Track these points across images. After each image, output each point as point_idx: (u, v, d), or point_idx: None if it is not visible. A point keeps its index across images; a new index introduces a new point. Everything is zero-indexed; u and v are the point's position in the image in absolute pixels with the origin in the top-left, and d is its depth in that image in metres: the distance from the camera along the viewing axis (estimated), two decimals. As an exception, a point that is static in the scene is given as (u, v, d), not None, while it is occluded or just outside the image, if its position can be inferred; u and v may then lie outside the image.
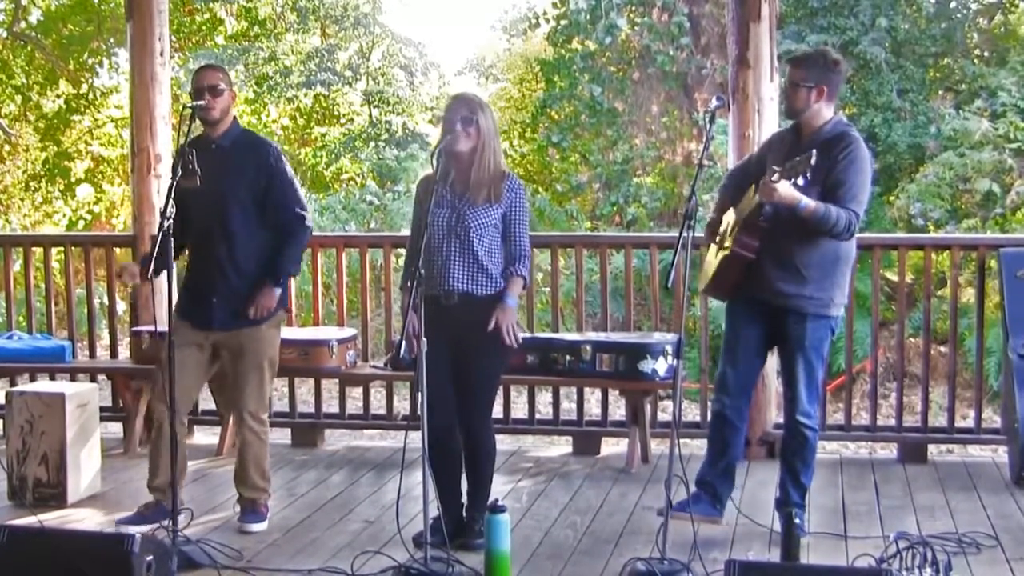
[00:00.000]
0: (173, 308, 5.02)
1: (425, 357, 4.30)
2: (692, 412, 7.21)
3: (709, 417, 5.15)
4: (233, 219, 4.88)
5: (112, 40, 16.56)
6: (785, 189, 4.43)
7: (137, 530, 4.23)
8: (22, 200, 16.83)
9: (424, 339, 4.31)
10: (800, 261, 4.66)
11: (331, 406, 7.06)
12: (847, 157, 4.56)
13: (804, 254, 4.66)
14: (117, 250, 7.32)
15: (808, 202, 4.48)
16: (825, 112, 4.73)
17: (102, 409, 5.95)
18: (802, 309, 4.70)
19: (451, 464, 4.78)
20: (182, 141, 4.66)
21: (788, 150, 4.71)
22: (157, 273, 4.61)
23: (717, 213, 5.03)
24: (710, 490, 4.91)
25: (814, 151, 4.39)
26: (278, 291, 4.94)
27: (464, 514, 4.82)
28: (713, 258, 5.00)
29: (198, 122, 4.84)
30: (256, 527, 5.01)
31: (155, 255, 4.56)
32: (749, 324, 4.88)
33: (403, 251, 6.79)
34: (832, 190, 4.56)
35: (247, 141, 5.03)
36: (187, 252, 4.89)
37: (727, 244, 4.83)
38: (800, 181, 4.40)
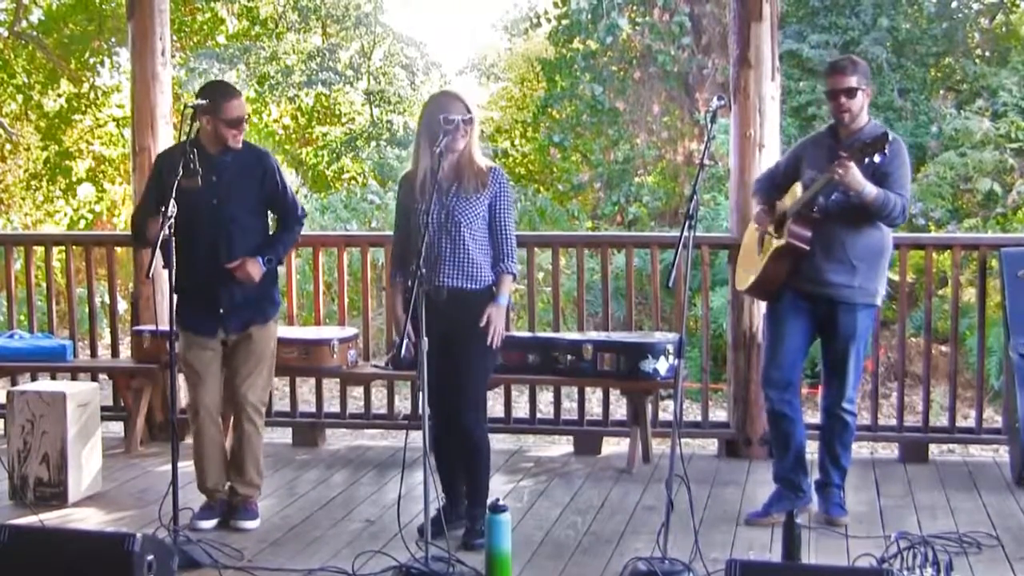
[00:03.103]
0: (173, 317, 4.96)
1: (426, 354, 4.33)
2: (693, 412, 7.20)
3: (766, 417, 5.32)
4: (241, 232, 4.92)
5: (113, 39, 16.56)
6: (856, 172, 4.63)
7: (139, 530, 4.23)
8: (23, 199, 16.84)
9: (425, 338, 4.32)
10: (851, 252, 4.87)
11: (332, 405, 7.06)
12: (891, 151, 4.71)
13: (855, 245, 4.87)
14: (118, 249, 7.33)
15: (871, 187, 4.69)
16: (865, 114, 4.96)
17: (103, 408, 5.95)
18: (852, 299, 4.91)
19: (453, 458, 4.85)
20: (179, 141, 4.66)
21: (828, 152, 4.89)
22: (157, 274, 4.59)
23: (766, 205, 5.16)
24: (788, 484, 5.09)
25: (887, 131, 4.61)
26: (262, 265, 4.92)
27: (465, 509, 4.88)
28: (755, 255, 5.06)
29: (195, 125, 4.81)
30: (251, 524, 5.02)
31: (155, 255, 4.54)
32: (794, 318, 5.03)
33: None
34: (880, 181, 4.76)
35: (248, 153, 5.03)
36: (184, 262, 4.70)
37: (778, 236, 4.93)
38: (877, 158, 4.58)
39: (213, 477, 5.09)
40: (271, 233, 5.09)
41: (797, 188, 4.94)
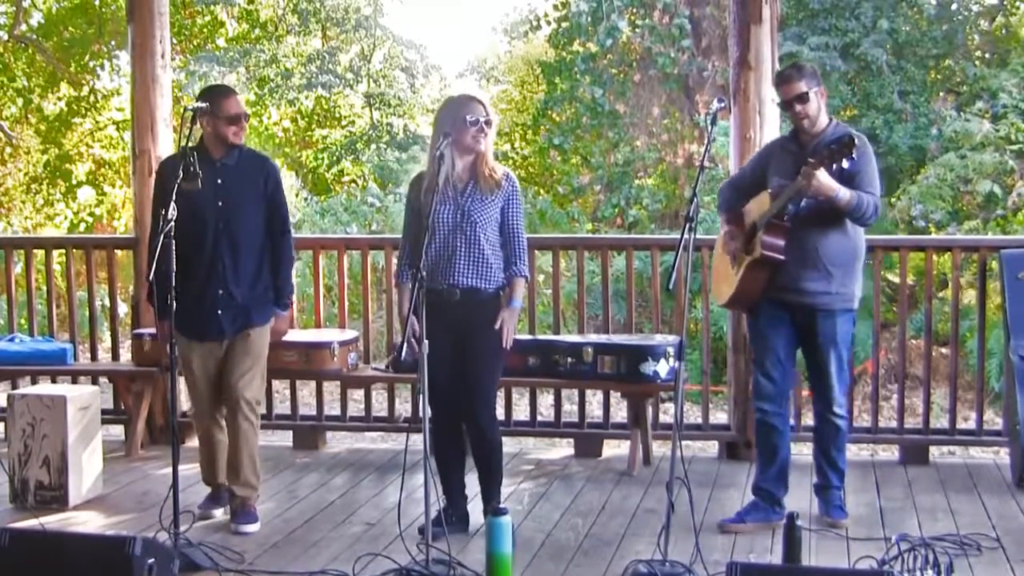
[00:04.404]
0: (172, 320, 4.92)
1: (427, 356, 4.33)
2: (694, 414, 7.20)
3: (753, 427, 5.29)
4: (242, 236, 4.94)
5: (113, 43, 16.57)
6: (825, 177, 4.61)
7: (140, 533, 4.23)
8: (23, 202, 16.84)
9: (426, 341, 4.32)
10: (826, 258, 4.83)
11: (332, 408, 7.06)
12: (857, 153, 4.67)
13: (828, 251, 4.83)
14: (118, 252, 7.33)
15: (843, 190, 4.66)
16: (824, 115, 4.91)
17: (103, 412, 5.94)
18: (830, 306, 4.88)
19: (455, 459, 4.90)
20: (183, 145, 4.67)
21: (793, 158, 4.85)
22: (159, 277, 4.56)
23: (732, 224, 5.09)
24: (767, 496, 5.05)
25: (851, 133, 4.59)
26: (284, 313, 5.18)
27: (468, 509, 4.94)
28: (729, 269, 5.04)
29: (195, 129, 4.82)
30: (251, 528, 5.02)
31: (156, 258, 4.52)
32: (776, 329, 5.00)
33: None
34: (848, 182, 4.72)
35: (251, 158, 5.08)
36: (184, 264, 4.67)
37: (751, 250, 4.89)
38: (846, 163, 4.55)
39: (220, 474, 5.15)
40: (272, 259, 5.08)
41: (764, 197, 4.89)
